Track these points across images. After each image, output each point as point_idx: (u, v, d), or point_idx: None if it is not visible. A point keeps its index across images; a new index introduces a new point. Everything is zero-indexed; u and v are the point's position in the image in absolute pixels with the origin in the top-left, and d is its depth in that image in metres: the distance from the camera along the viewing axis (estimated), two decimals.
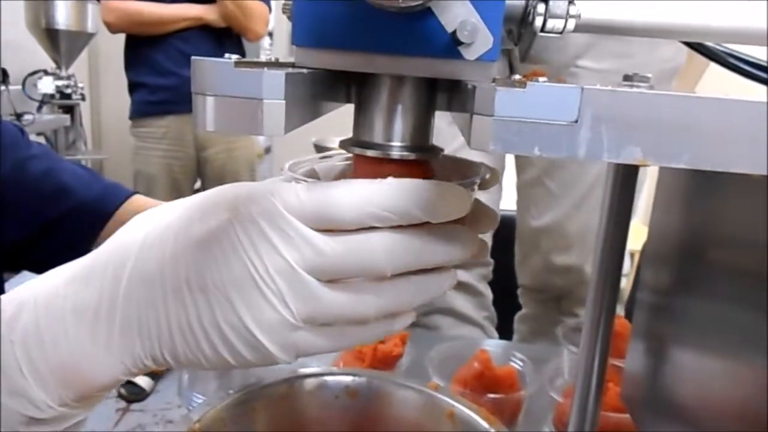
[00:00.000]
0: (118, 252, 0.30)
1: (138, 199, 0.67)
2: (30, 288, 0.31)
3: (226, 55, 0.27)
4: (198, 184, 2.10)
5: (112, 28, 1.89)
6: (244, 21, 1.86)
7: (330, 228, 0.28)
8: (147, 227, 0.30)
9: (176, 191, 1.94)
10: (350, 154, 0.33)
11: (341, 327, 0.29)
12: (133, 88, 1.94)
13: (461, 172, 0.38)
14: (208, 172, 2.00)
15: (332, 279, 0.28)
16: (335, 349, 0.30)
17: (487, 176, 0.36)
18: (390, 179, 0.29)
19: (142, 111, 1.92)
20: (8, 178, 0.61)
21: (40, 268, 0.67)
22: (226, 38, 1.90)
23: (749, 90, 0.33)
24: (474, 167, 0.38)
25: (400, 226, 0.28)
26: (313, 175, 0.38)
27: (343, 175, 0.38)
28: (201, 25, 1.85)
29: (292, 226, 0.27)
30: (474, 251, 0.31)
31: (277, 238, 0.27)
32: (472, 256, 0.31)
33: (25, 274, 0.69)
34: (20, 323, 0.29)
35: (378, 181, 0.28)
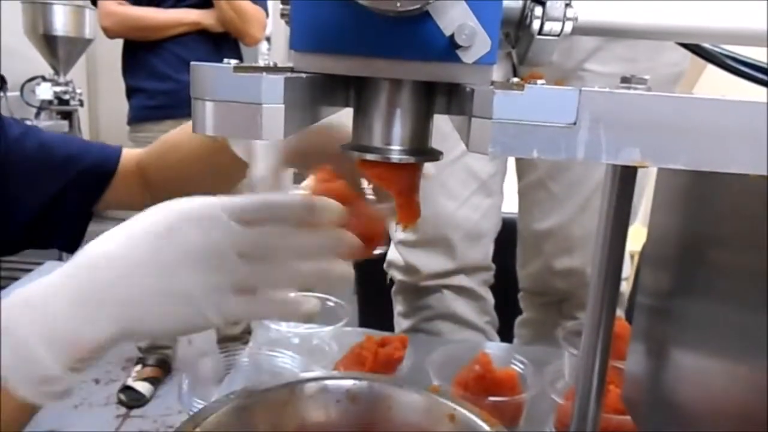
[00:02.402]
0: (94, 260, 0.39)
1: (127, 152, 0.70)
2: (31, 286, 0.38)
3: (225, 60, 0.27)
4: None
5: (110, 34, 1.88)
6: (242, 26, 1.86)
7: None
8: (114, 240, 0.39)
9: None
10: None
11: (259, 298, 0.40)
12: (131, 93, 1.94)
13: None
14: None
15: (249, 255, 0.38)
16: (257, 315, 0.41)
17: None
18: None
19: (140, 116, 1.92)
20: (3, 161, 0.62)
21: (44, 240, 0.68)
22: (223, 43, 1.89)
23: (747, 92, 0.33)
24: None
25: None
26: None
27: None
28: (198, 30, 1.85)
29: (220, 219, 0.38)
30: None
31: (210, 228, 0.37)
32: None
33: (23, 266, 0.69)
34: (31, 310, 0.37)
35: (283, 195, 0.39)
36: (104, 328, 0.38)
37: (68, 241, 0.69)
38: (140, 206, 0.71)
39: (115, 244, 0.39)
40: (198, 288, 0.37)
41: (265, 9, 1.95)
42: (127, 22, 1.83)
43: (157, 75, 1.85)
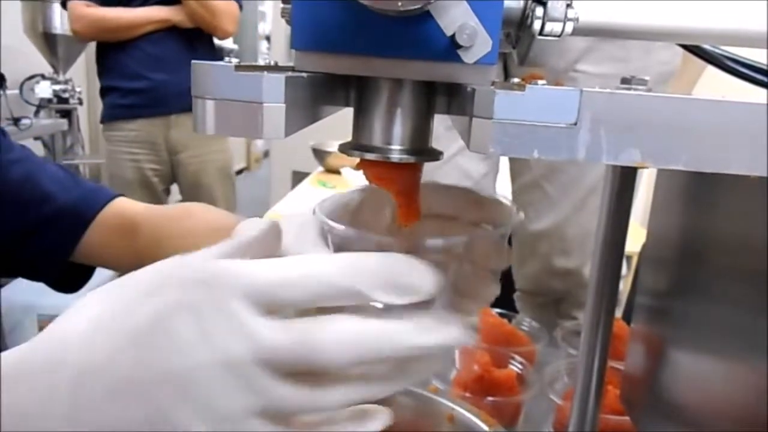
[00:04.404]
0: (55, 346, 0.27)
1: (120, 202, 0.65)
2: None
3: (226, 59, 0.27)
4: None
5: (81, 37, 1.87)
6: (211, 20, 1.82)
7: (280, 311, 0.26)
8: (90, 312, 0.28)
9: (152, 195, 1.92)
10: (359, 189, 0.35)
11: (303, 420, 0.27)
12: (104, 92, 1.92)
13: (483, 212, 0.38)
14: (182, 176, 1.97)
15: (288, 372, 0.26)
16: None
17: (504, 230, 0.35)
18: (344, 255, 0.27)
19: (112, 114, 1.90)
20: None
21: (23, 273, 0.67)
22: (196, 38, 1.86)
23: (746, 93, 0.33)
24: (495, 210, 0.38)
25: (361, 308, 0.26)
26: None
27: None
28: (169, 27, 1.82)
29: (236, 315, 0.25)
30: (456, 338, 0.27)
31: (222, 329, 0.25)
32: (454, 342, 0.28)
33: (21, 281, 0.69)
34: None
35: (332, 257, 0.27)
36: None
37: (53, 281, 0.66)
38: (115, 266, 0.64)
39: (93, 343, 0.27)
40: (204, 416, 0.25)
41: (239, 1, 1.92)
42: (96, 23, 1.81)
43: (130, 74, 1.83)
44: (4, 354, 0.28)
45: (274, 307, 0.26)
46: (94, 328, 0.27)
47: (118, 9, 1.81)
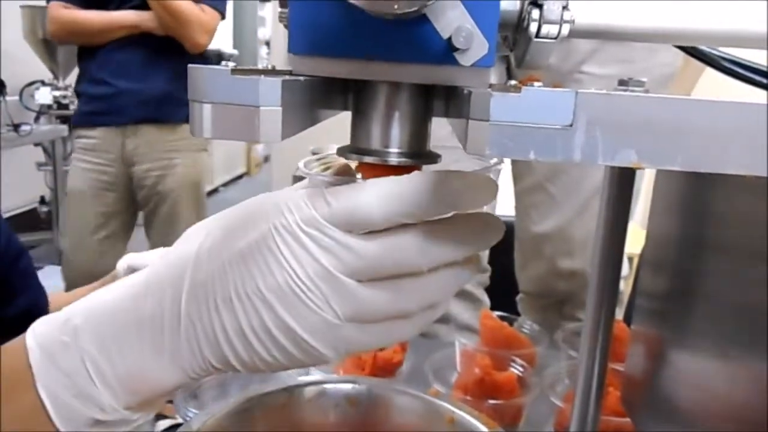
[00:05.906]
0: (175, 267, 0.32)
1: (53, 296, 0.66)
2: (89, 303, 0.33)
3: (223, 62, 0.27)
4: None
5: (56, 39, 1.79)
6: (178, 28, 1.66)
7: (362, 230, 0.29)
8: (199, 241, 0.32)
9: (105, 209, 1.76)
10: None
11: (386, 323, 0.31)
12: (77, 97, 1.85)
13: None
14: (138, 191, 1.80)
15: (372, 279, 0.29)
16: (382, 344, 0.32)
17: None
18: (413, 175, 0.29)
19: (75, 121, 1.82)
20: None
21: None
22: (167, 47, 1.70)
23: (746, 95, 0.33)
24: None
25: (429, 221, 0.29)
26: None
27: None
28: (141, 33, 1.69)
29: (326, 233, 0.29)
30: (501, 235, 0.32)
31: (313, 246, 0.29)
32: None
33: None
34: (88, 334, 0.32)
35: (402, 179, 0.29)
36: (183, 369, 0.32)
37: None
38: None
39: (201, 261, 0.31)
40: (302, 323, 0.29)
41: (220, 11, 1.77)
42: (69, 26, 1.71)
43: (94, 80, 1.73)
44: (132, 275, 0.34)
45: (358, 226, 0.29)
46: (206, 250, 0.31)
47: (91, 12, 1.70)
